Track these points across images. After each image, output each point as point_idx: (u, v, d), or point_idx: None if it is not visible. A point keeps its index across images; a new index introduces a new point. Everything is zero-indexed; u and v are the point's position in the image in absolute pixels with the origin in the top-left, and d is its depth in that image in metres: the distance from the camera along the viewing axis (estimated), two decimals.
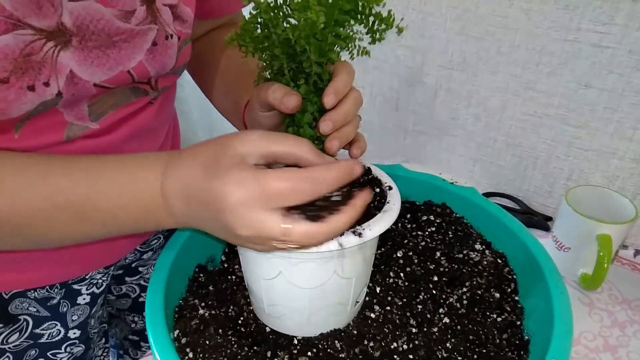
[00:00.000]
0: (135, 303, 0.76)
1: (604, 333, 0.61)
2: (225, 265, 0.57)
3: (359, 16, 0.43)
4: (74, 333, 0.63)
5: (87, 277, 0.62)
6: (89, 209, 0.41)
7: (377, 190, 0.47)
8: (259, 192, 0.35)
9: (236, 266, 0.57)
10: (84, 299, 0.63)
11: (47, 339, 0.61)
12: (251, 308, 0.52)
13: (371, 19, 0.43)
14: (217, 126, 1.42)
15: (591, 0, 0.66)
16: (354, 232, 0.40)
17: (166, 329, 0.44)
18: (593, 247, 0.62)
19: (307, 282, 0.43)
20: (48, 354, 0.61)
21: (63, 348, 0.63)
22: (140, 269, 0.72)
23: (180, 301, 0.52)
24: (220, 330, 0.48)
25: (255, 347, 0.47)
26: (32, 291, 0.57)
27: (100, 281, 0.64)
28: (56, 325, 0.61)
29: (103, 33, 0.44)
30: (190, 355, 0.45)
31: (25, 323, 0.58)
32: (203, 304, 0.51)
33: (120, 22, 0.45)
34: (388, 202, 0.44)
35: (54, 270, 0.57)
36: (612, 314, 0.64)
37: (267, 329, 0.50)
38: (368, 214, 0.42)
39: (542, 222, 0.78)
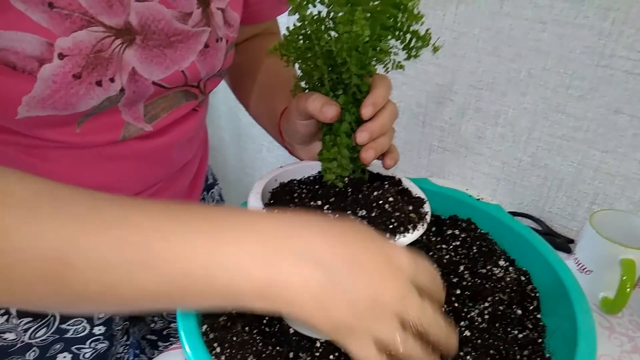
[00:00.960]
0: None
1: (624, 358, 0.61)
2: None
3: (397, 32, 0.45)
4: (99, 329, 0.65)
5: None
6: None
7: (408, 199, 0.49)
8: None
9: None
10: None
11: (72, 334, 0.62)
12: None
13: (408, 35, 0.45)
14: (245, 131, 1.45)
15: (625, 28, 0.67)
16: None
17: (196, 323, 0.46)
18: (615, 271, 0.63)
19: None
20: (72, 348, 0.63)
21: (87, 344, 0.64)
22: None
23: None
24: (246, 328, 0.49)
25: (278, 347, 0.49)
26: None
27: None
28: (82, 322, 0.63)
29: (163, 33, 0.47)
30: (218, 349, 0.46)
31: (52, 318, 0.60)
32: None
33: (178, 23, 0.48)
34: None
35: None
36: (633, 339, 0.64)
37: (291, 331, 0.51)
38: (403, 219, 0.44)
39: (564, 244, 0.78)
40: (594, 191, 0.79)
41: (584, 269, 0.68)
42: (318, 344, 0.49)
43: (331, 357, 0.48)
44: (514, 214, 0.87)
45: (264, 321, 0.52)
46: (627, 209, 0.76)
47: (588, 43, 0.71)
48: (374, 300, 0.33)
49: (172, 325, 0.80)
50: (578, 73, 0.73)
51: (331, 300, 0.33)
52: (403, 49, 0.45)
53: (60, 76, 0.41)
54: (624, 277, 0.61)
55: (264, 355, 0.47)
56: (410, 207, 0.48)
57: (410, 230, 0.43)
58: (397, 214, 0.45)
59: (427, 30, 0.44)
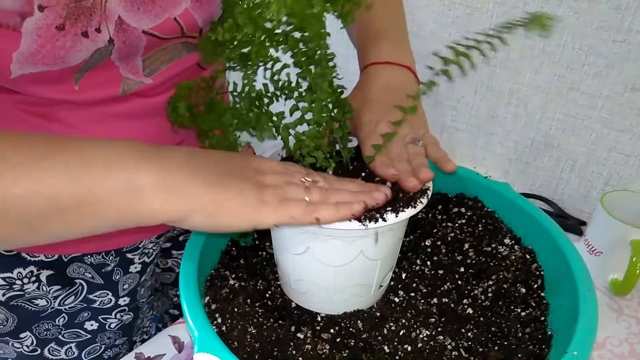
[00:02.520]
0: (178, 277, 0.79)
1: (631, 340, 0.60)
2: (257, 242, 0.59)
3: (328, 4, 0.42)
4: (124, 300, 0.67)
5: (140, 245, 0.65)
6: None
7: None
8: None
9: (267, 243, 0.59)
10: (136, 267, 0.66)
11: (99, 305, 0.64)
12: (278, 283, 0.53)
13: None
14: None
15: None
16: (379, 215, 0.41)
17: (198, 294, 0.46)
18: (626, 253, 0.62)
19: (333, 259, 0.45)
20: (99, 317, 0.65)
21: (113, 314, 0.66)
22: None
23: (212, 271, 0.54)
24: (248, 301, 0.50)
25: (280, 321, 0.49)
26: (89, 256, 0.61)
27: (151, 250, 0.67)
28: (108, 294, 0.65)
29: None
30: (219, 320, 0.47)
31: (80, 287, 0.62)
32: (234, 275, 0.53)
33: None
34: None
35: (112, 236, 0.61)
36: None
37: (293, 305, 0.51)
38: (401, 198, 0.43)
39: (575, 226, 0.77)
40: (607, 172, 0.77)
41: (594, 251, 0.67)
42: (319, 318, 0.49)
43: (332, 330, 0.48)
44: (526, 195, 0.86)
45: (267, 294, 0.53)
46: None
47: (605, 17, 0.68)
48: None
49: None
50: (594, 49, 0.71)
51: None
52: (338, 17, 0.44)
53: (44, 29, 0.41)
54: (634, 259, 0.60)
55: (264, 327, 0.47)
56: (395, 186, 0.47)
57: (412, 205, 0.43)
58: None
59: None
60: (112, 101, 0.51)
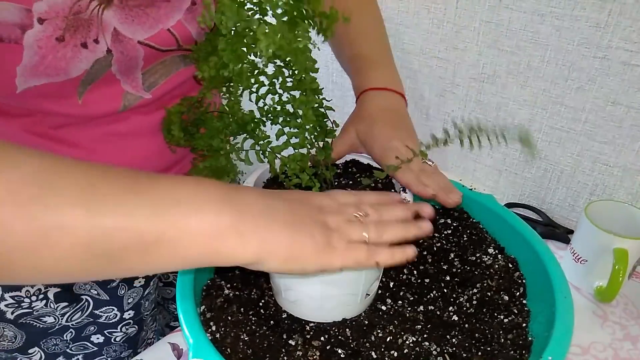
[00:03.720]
0: None
1: (615, 345, 0.62)
2: None
3: (308, 21, 0.45)
4: (129, 314, 0.69)
5: None
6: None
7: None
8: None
9: None
10: (140, 282, 0.68)
11: (104, 320, 0.66)
12: (271, 293, 0.56)
13: (317, 20, 0.46)
14: None
15: (622, 19, 0.67)
16: None
17: (194, 303, 0.49)
18: (609, 261, 0.64)
19: None
20: (105, 331, 0.67)
21: (119, 328, 0.68)
22: None
23: (208, 281, 0.56)
24: (242, 309, 0.52)
25: (272, 329, 0.51)
26: None
27: None
28: (113, 309, 0.66)
29: None
30: (214, 328, 0.49)
31: (86, 303, 0.64)
32: (229, 285, 0.55)
33: None
34: None
35: None
36: (625, 327, 0.65)
37: (284, 314, 0.54)
38: None
39: (563, 234, 0.79)
40: (593, 182, 0.79)
41: (579, 259, 0.69)
42: (308, 327, 0.52)
43: (322, 338, 0.50)
44: (515, 205, 0.88)
45: (260, 303, 0.55)
46: (625, 199, 0.77)
47: (585, 35, 0.71)
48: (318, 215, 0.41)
49: None
50: (576, 65, 0.74)
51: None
52: (317, 33, 0.46)
53: (44, 41, 0.43)
54: (617, 266, 0.62)
55: (257, 334, 0.50)
56: None
57: None
58: None
59: (331, 8, 0.44)
60: (113, 118, 0.53)
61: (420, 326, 0.52)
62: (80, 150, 0.53)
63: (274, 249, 0.38)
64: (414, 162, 0.54)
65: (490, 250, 0.59)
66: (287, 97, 0.47)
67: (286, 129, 0.48)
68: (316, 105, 0.46)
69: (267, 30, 0.37)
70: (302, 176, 0.48)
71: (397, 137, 0.56)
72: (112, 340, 0.68)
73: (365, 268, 0.41)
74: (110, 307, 0.66)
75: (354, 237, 0.41)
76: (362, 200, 0.45)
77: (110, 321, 0.67)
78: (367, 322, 0.52)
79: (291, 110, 0.46)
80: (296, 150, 0.48)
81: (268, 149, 0.48)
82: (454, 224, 0.63)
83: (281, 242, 0.38)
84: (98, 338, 0.67)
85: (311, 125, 0.46)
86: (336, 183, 0.53)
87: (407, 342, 0.50)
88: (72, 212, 0.32)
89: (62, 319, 0.63)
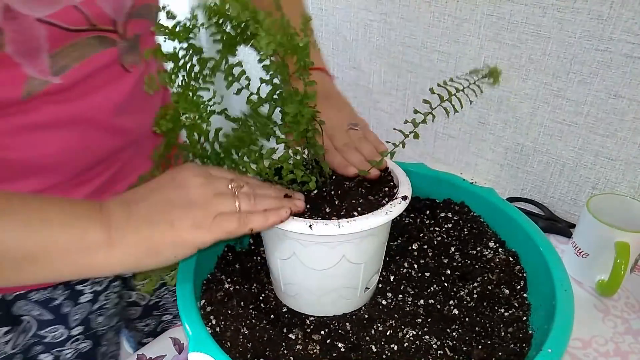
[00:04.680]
0: (146, 308, 0.77)
1: (617, 339, 0.62)
2: (252, 247, 0.62)
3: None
4: (77, 330, 0.65)
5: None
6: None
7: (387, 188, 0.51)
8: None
9: (261, 248, 0.61)
10: (86, 297, 0.64)
11: (51, 339, 0.63)
12: (272, 287, 0.56)
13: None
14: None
15: (624, 11, 0.67)
16: (334, 223, 0.43)
17: (194, 297, 0.49)
18: (611, 254, 0.63)
19: (317, 263, 0.47)
20: (53, 350, 0.63)
21: (67, 345, 0.65)
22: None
23: (209, 275, 0.57)
24: (242, 303, 0.52)
25: (272, 322, 0.51)
26: (35, 292, 0.59)
27: (103, 279, 0.66)
28: (59, 328, 0.63)
29: None
30: (214, 322, 0.49)
31: (28, 325, 0.60)
32: (229, 279, 0.56)
33: None
34: (387, 205, 0.47)
35: None
36: (627, 321, 0.64)
37: (284, 308, 0.54)
38: (369, 207, 0.46)
39: (565, 228, 0.79)
40: (595, 176, 0.79)
41: (581, 253, 0.69)
42: (308, 321, 0.52)
43: (322, 332, 0.50)
44: (517, 199, 0.88)
45: (261, 297, 0.55)
46: (628, 193, 0.76)
47: (587, 27, 0.71)
48: (185, 198, 0.41)
49: (163, 319, 0.80)
50: (578, 57, 0.73)
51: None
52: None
53: None
54: (618, 260, 0.62)
55: (257, 328, 0.50)
56: (379, 196, 0.50)
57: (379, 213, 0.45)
58: (361, 201, 0.48)
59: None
60: (20, 108, 0.47)
61: (420, 320, 0.52)
62: None
63: (136, 251, 0.40)
64: (338, 137, 0.54)
65: (491, 244, 0.59)
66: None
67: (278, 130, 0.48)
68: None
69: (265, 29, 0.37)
70: (296, 172, 0.48)
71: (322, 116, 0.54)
72: (62, 358, 0.64)
73: (237, 235, 0.42)
74: (55, 326, 0.62)
75: (223, 208, 0.41)
76: (239, 177, 0.46)
77: (57, 340, 0.63)
78: (367, 316, 0.52)
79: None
80: (289, 148, 0.48)
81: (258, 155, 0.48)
82: (455, 218, 0.63)
83: (140, 242, 0.40)
84: (47, 357, 0.63)
85: (306, 123, 0.46)
86: (333, 178, 0.52)
87: (408, 335, 0.50)
88: None
89: (6, 347, 0.59)
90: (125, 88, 0.55)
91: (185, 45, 0.42)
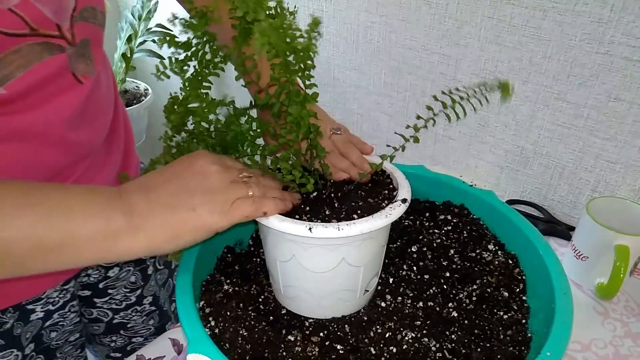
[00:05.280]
0: (110, 325, 0.75)
1: (616, 342, 0.62)
2: (252, 249, 0.62)
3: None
4: (29, 348, 0.63)
5: (43, 295, 0.62)
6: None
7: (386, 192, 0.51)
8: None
9: (261, 250, 0.61)
10: (37, 315, 0.62)
11: None
12: (271, 289, 0.56)
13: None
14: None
15: (624, 14, 0.67)
16: (334, 226, 0.43)
17: (193, 299, 0.49)
18: (610, 257, 0.63)
19: (317, 266, 0.47)
20: None
21: None
22: (110, 290, 0.72)
23: (208, 277, 0.57)
24: (241, 305, 0.52)
25: (271, 324, 0.51)
26: None
27: (57, 299, 0.64)
28: (13, 351, 0.60)
29: None
30: (212, 323, 0.49)
31: None
32: (228, 281, 0.56)
33: None
34: (387, 208, 0.47)
35: (8, 291, 0.57)
36: (626, 324, 0.64)
37: (284, 310, 0.54)
38: (369, 210, 0.46)
39: (564, 231, 0.79)
40: (595, 179, 0.79)
41: (580, 255, 0.69)
42: (307, 323, 0.52)
43: (321, 334, 0.50)
44: (517, 201, 0.88)
45: (260, 299, 0.55)
46: (627, 196, 0.76)
47: (587, 30, 0.71)
48: (202, 184, 0.43)
49: (133, 340, 0.79)
50: (578, 60, 0.74)
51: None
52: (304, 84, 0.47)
53: None
54: (618, 263, 0.62)
55: (256, 329, 0.50)
56: (379, 198, 0.50)
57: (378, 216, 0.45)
58: (361, 204, 0.48)
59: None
60: None
61: (419, 322, 0.52)
62: None
63: (159, 236, 0.42)
64: (324, 142, 0.55)
65: (490, 247, 0.59)
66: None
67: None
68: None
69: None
70: (295, 172, 0.48)
71: None
72: None
73: (252, 219, 0.44)
74: (9, 350, 0.60)
75: (239, 194, 0.44)
76: (247, 169, 0.48)
77: None
78: (366, 318, 0.52)
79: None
80: (289, 149, 0.48)
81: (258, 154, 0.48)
82: (454, 220, 0.63)
83: (163, 227, 0.42)
84: None
85: (307, 126, 0.46)
86: (330, 181, 0.53)
87: (407, 338, 0.50)
88: None
89: None
90: (76, 100, 0.52)
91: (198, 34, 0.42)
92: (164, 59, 0.45)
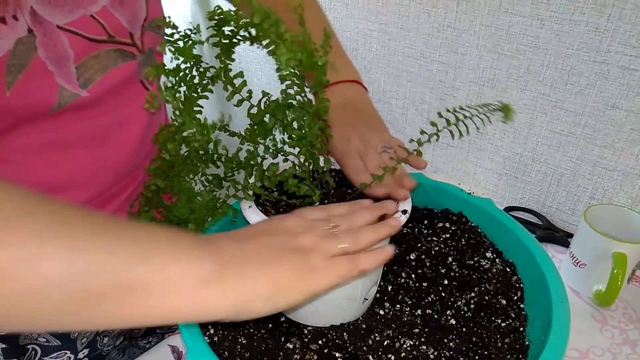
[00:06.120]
0: (150, 327, 0.75)
1: (614, 350, 0.62)
2: None
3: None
4: (83, 353, 0.64)
5: None
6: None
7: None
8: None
9: None
10: None
11: None
12: None
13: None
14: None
15: (621, 24, 0.68)
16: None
17: None
18: (608, 265, 0.64)
19: None
20: None
21: None
22: None
23: None
24: None
25: (270, 332, 0.52)
26: None
27: None
28: (66, 353, 0.62)
29: None
30: (212, 331, 0.49)
31: (33, 352, 0.59)
32: None
33: None
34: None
35: None
36: (625, 332, 0.65)
37: (282, 317, 0.54)
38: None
39: (563, 238, 0.79)
40: (593, 186, 0.79)
41: (578, 263, 0.70)
42: (306, 331, 0.52)
43: (319, 341, 0.51)
44: (516, 208, 0.88)
45: None
46: (625, 203, 0.77)
47: (584, 39, 0.71)
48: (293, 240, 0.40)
49: (165, 336, 0.75)
50: (575, 69, 0.74)
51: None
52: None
53: None
54: (615, 271, 0.63)
55: (255, 337, 0.50)
56: None
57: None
58: None
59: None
60: (48, 125, 0.48)
61: (418, 330, 0.52)
62: (6, 165, 0.49)
63: (254, 293, 0.36)
64: (371, 158, 0.54)
65: (489, 254, 0.59)
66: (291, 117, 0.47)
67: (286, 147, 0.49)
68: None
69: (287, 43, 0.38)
70: (302, 186, 0.48)
71: (355, 135, 0.54)
72: None
73: (349, 279, 0.40)
74: (63, 351, 0.61)
75: (333, 251, 0.40)
76: (330, 213, 0.45)
77: None
78: (364, 325, 0.52)
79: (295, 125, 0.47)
80: (297, 160, 0.49)
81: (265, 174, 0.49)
82: (452, 228, 0.63)
83: (261, 283, 0.36)
84: None
85: (315, 137, 0.46)
86: (332, 191, 0.53)
87: (405, 346, 0.50)
88: (48, 247, 0.30)
89: None
90: (143, 104, 0.55)
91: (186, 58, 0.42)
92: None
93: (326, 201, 0.51)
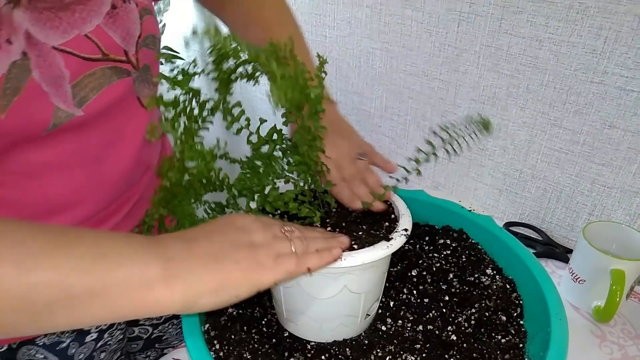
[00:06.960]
0: (147, 342, 0.77)
1: None
2: None
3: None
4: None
5: None
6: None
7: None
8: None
9: None
10: (92, 336, 0.64)
11: None
12: (274, 312, 0.57)
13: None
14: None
15: (617, 46, 0.69)
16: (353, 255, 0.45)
17: (198, 322, 0.50)
18: (607, 281, 0.65)
19: (319, 292, 0.49)
20: None
21: None
22: None
23: None
24: (245, 328, 0.54)
25: (274, 347, 0.53)
26: (43, 336, 0.59)
27: None
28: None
29: None
30: (217, 346, 0.51)
31: None
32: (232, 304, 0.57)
33: None
34: (387, 240, 0.49)
35: None
36: (623, 347, 0.65)
37: (286, 333, 0.55)
38: (371, 240, 0.48)
39: (562, 254, 0.80)
40: (591, 202, 0.81)
41: (577, 279, 0.71)
42: (309, 346, 0.53)
43: (322, 357, 0.52)
44: (516, 224, 0.89)
45: (263, 322, 0.56)
46: (623, 220, 0.78)
47: (582, 60, 0.73)
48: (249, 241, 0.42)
49: (165, 351, 0.79)
50: (574, 89, 0.76)
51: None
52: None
53: None
54: (614, 287, 0.63)
55: (259, 352, 0.51)
56: (381, 228, 0.52)
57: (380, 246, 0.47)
58: (362, 234, 0.50)
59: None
60: (39, 144, 0.48)
61: (419, 345, 0.53)
62: (2, 188, 0.49)
63: (199, 288, 0.39)
64: (346, 167, 0.57)
65: (489, 271, 0.60)
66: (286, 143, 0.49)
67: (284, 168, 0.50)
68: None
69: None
70: (302, 208, 0.50)
71: (329, 145, 0.54)
72: None
73: (296, 276, 0.43)
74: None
75: (282, 250, 0.43)
76: (287, 224, 0.47)
77: None
78: (367, 341, 0.53)
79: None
80: (297, 181, 0.50)
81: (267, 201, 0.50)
82: (453, 245, 0.64)
83: (206, 278, 0.39)
84: None
85: (312, 161, 0.48)
86: (335, 210, 0.55)
87: None
88: (1, 268, 0.33)
89: None
90: (141, 123, 0.56)
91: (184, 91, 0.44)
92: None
93: (328, 221, 0.52)
